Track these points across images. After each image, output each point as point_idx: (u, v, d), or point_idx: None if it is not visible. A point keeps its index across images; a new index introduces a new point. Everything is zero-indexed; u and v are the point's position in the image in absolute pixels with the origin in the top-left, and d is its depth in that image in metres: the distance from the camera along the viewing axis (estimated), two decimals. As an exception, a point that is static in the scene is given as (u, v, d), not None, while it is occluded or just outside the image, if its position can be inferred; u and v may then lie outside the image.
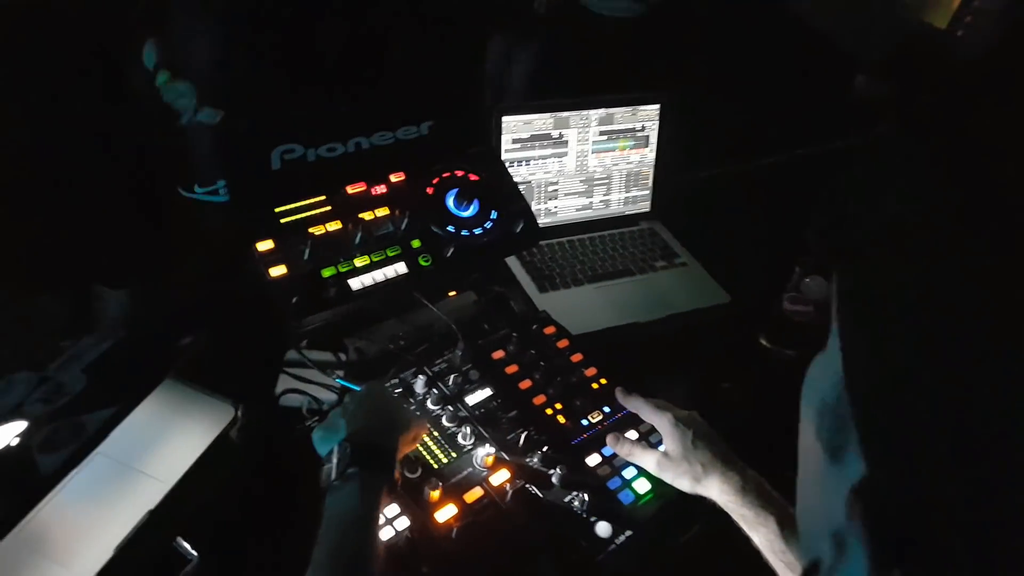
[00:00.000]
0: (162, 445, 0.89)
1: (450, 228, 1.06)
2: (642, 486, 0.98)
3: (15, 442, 0.77)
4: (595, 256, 1.44)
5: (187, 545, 0.85)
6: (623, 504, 0.95)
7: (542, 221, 1.40)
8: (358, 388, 0.96)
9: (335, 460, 0.79)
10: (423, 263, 1.02)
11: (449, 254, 1.03)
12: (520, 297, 1.32)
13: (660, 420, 0.98)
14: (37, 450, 0.76)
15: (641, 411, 1.02)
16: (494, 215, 1.09)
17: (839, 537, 0.42)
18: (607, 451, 1.01)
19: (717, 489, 0.90)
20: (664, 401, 1.02)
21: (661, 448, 0.97)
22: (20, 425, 0.79)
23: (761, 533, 0.85)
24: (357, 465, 0.78)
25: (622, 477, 0.98)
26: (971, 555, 0.37)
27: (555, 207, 1.45)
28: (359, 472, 0.77)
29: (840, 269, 0.47)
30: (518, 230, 1.09)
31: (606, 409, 1.07)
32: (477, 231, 1.07)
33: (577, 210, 1.48)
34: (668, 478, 0.95)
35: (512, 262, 1.37)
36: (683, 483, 0.93)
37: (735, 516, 0.89)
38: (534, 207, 1.36)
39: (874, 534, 0.39)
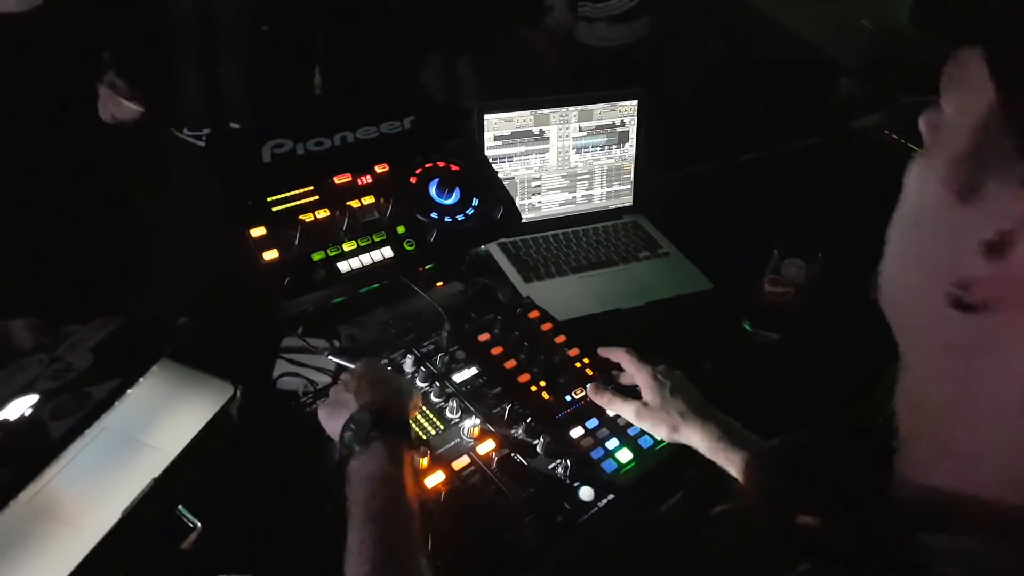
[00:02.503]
0: (165, 419, 0.93)
1: (433, 215, 1.11)
2: (624, 456, 1.01)
3: (28, 412, 0.82)
4: (579, 248, 1.49)
5: (190, 514, 0.89)
6: (606, 472, 0.99)
7: (526, 216, 1.45)
8: (351, 365, 1.00)
9: (354, 429, 0.82)
10: (408, 247, 1.07)
11: (432, 239, 1.08)
12: (506, 287, 1.36)
13: (640, 372, 1.04)
14: (47, 418, 0.81)
15: (624, 362, 1.08)
16: (475, 202, 1.14)
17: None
18: (590, 424, 1.05)
19: (698, 436, 0.95)
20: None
21: (641, 400, 1.02)
22: (32, 398, 0.84)
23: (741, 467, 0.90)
24: (379, 430, 0.81)
25: (605, 448, 1.02)
26: None
27: (538, 202, 1.51)
28: (382, 437, 0.81)
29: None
30: (499, 216, 1.14)
31: (588, 386, 1.11)
32: (459, 217, 1.13)
33: (560, 205, 1.53)
34: (646, 426, 1.00)
35: (497, 254, 1.43)
36: (661, 431, 0.99)
37: (720, 460, 0.93)
38: (518, 203, 1.41)
39: None
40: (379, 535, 0.72)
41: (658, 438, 1.01)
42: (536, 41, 2.97)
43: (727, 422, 0.97)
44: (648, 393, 1.02)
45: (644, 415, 1.00)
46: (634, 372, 1.06)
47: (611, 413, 1.06)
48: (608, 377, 1.12)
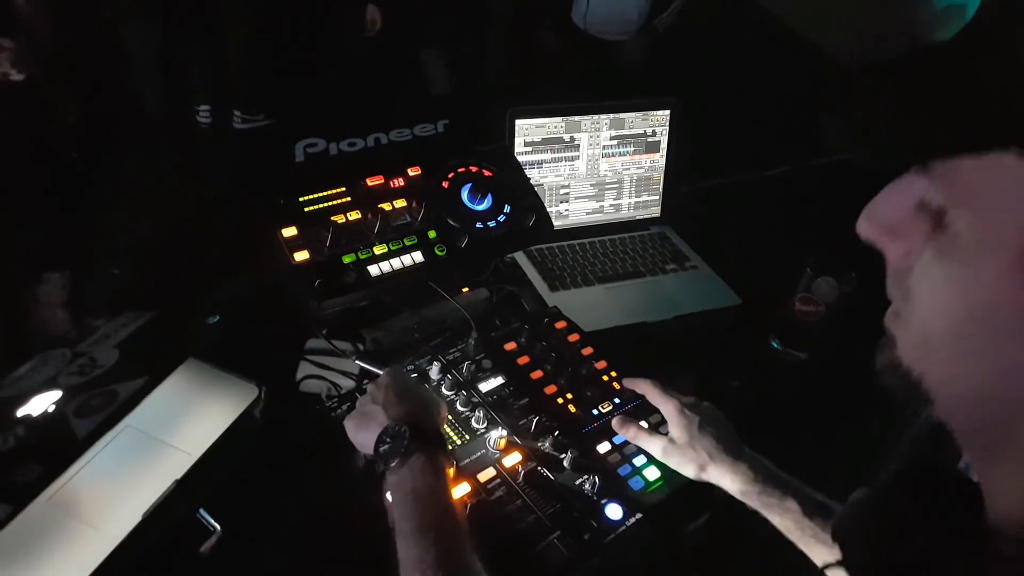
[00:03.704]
0: (189, 420, 0.92)
1: (465, 220, 1.09)
2: (652, 473, 0.99)
3: (51, 409, 0.81)
4: (605, 258, 1.47)
5: (210, 517, 0.88)
6: (633, 490, 0.97)
7: (553, 224, 1.43)
8: (377, 370, 0.99)
9: (391, 442, 0.81)
10: (439, 253, 1.06)
11: (463, 244, 1.07)
12: (531, 296, 1.35)
13: (666, 405, 1.00)
14: (71, 415, 0.80)
15: (648, 394, 1.04)
16: (507, 209, 1.13)
17: None
18: (618, 439, 1.03)
19: (728, 479, 0.92)
20: (671, 390, 1.04)
21: (668, 434, 0.99)
22: (55, 395, 0.83)
23: (786, 516, 0.87)
24: (417, 443, 0.80)
25: (632, 464, 1.00)
26: None
27: (566, 210, 1.49)
28: (420, 450, 0.80)
29: None
30: (531, 223, 1.12)
31: (616, 400, 1.09)
32: (491, 224, 1.11)
33: (588, 213, 1.51)
34: (673, 464, 0.97)
35: (523, 262, 1.41)
36: (688, 470, 0.95)
37: (754, 503, 0.90)
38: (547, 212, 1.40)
39: None
40: (438, 549, 0.71)
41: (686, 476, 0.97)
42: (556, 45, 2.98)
43: (760, 462, 0.93)
44: (675, 429, 0.98)
45: (671, 452, 0.97)
46: (659, 404, 1.02)
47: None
48: (633, 399, 1.09)
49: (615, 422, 1.03)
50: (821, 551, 0.84)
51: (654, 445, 0.98)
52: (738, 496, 0.92)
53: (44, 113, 1.63)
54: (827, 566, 0.72)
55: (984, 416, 0.44)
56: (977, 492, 0.47)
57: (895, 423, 1.01)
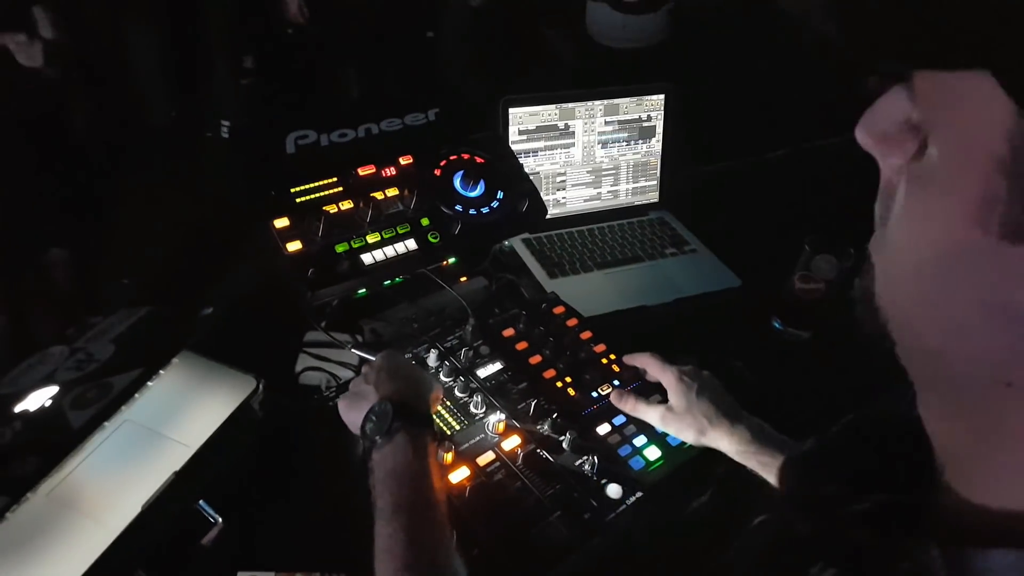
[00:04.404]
0: (187, 413, 0.93)
1: (457, 207, 1.09)
2: (652, 453, 0.98)
3: (48, 403, 0.81)
4: (604, 244, 1.46)
5: (210, 509, 0.88)
6: (633, 470, 0.96)
7: (551, 212, 1.43)
8: (374, 358, 0.99)
9: (375, 420, 0.81)
10: (432, 240, 1.06)
11: (457, 231, 1.07)
12: (530, 284, 1.34)
13: (665, 374, 1.00)
14: (68, 409, 0.81)
15: (649, 366, 1.04)
16: (500, 195, 1.13)
17: None
18: (617, 421, 1.02)
19: (726, 440, 0.92)
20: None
21: (666, 403, 0.99)
22: (52, 390, 0.84)
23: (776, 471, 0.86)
24: (401, 422, 0.80)
25: (632, 445, 0.99)
26: None
27: (563, 198, 1.49)
28: (404, 428, 0.80)
29: None
30: (524, 209, 1.12)
31: (616, 382, 1.08)
32: (484, 210, 1.11)
33: (585, 200, 1.51)
34: (672, 431, 0.97)
35: (521, 250, 1.41)
36: (688, 435, 0.95)
37: (752, 464, 0.90)
38: (543, 198, 1.39)
39: None
40: (410, 527, 0.70)
41: (685, 441, 0.98)
42: (555, 41, 2.98)
43: (757, 424, 0.93)
44: (674, 396, 0.98)
45: (670, 419, 0.97)
46: (659, 374, 1.02)
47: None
48: (633, 380, 1.09)
49: (613, 396, 1.03)
50: None
51: (652, 414, 0.99)
52: (735, 457, 0.92)
53: (69, 115, 1.64)
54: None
55: (940, 369, 0.41)
56: (930, 450, 0.44)
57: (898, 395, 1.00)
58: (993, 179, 0.33)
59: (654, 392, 1.05)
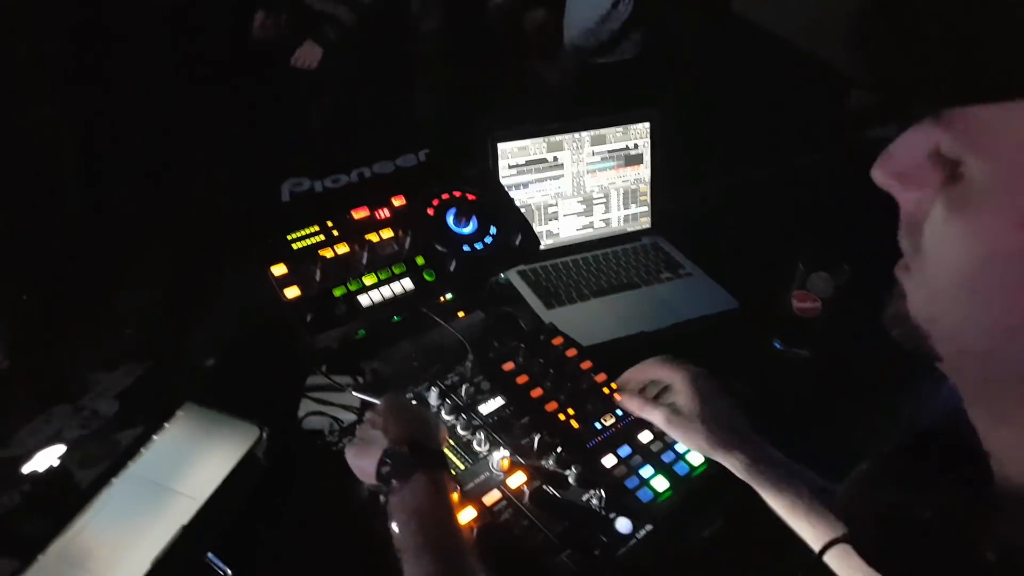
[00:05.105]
0: (192, 465, 0.92)
1: (452, 244, 1.10)
2: (660, 483, 0.98)
3: (56, 463, 0.81)
4: (599, 272, 1.47)
5: (219, 561, 0.88)
6: (641, 501, 0.96)
7: (544, 243, 1.44)
8: (376, 400, 0.99)
9: (391, 463, 0.81)
10: (428, 278, 1.07)
11: (452, 268, 1.07)
12: (527, 315, 1.35)
13: (677, 374, 0.98)
14: (75, 467, 0.81)
15: (660, 370, 1.02)
16: (493, 230, 1.14)
17: None
18: (623, 452, 1.02)
19: (734, 456, 0.91)
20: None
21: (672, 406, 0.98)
22: (59, 449, 0.84)
23: (785, 496, 0.86)
24: (418, 462, 0.80)
25: (639, 476, 0.99)
26: None
27: (556, 228, 1.50)
28: (422, 469, 0.80)
29: None
30: (517, 242, 1.13)
31: (619, 412, 1.08)
32: (478, 246, 1.12)
33: (578, 229, 1.52)
34: (678, 435, 0.95)
35: (517, 282, 1.41)
36: (694, 441, 0.94)
37: (756, 482, 0.89)
38: (535, 229, 1.40)
39: None
40: (437, 566, 0.71)
41: (689, 449, 0.96)
42: (536, 67, 3.02)
43: (763, 442, 0.93)
44: (684, 398, 0.96)
45: (676, 423, 0.95)
46: (671, 375, 1.00)
47: (644, 439, 1.03)
48: (641, 421, 1.06)
49: (618, 398, 1.03)
50: (821, 531, 0.83)
51: (657, 415, 0.97)
52: (740, 474, 0.91)
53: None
54: (829, 544, 0.71)
55: (990, 372, 0.44)
56: (982, 455, 0.46)
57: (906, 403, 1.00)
58: None
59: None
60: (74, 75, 1.92)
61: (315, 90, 2.58)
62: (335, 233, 1.06)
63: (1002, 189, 0.39)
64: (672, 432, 0.96)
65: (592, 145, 1.48)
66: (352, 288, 1.02)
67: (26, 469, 0.84)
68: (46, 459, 0.85)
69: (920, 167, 0.42)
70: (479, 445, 0.99)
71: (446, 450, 0.98)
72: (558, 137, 1.45)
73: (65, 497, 0.81)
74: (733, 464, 0.92)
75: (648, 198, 1.57)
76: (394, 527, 0.78)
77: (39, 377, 1.05)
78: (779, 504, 0.87)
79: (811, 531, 0.84)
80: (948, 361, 0.46)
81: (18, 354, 1.10)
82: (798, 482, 0.87)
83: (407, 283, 1.05)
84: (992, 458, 0.46)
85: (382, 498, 0.82)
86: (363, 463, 0.86)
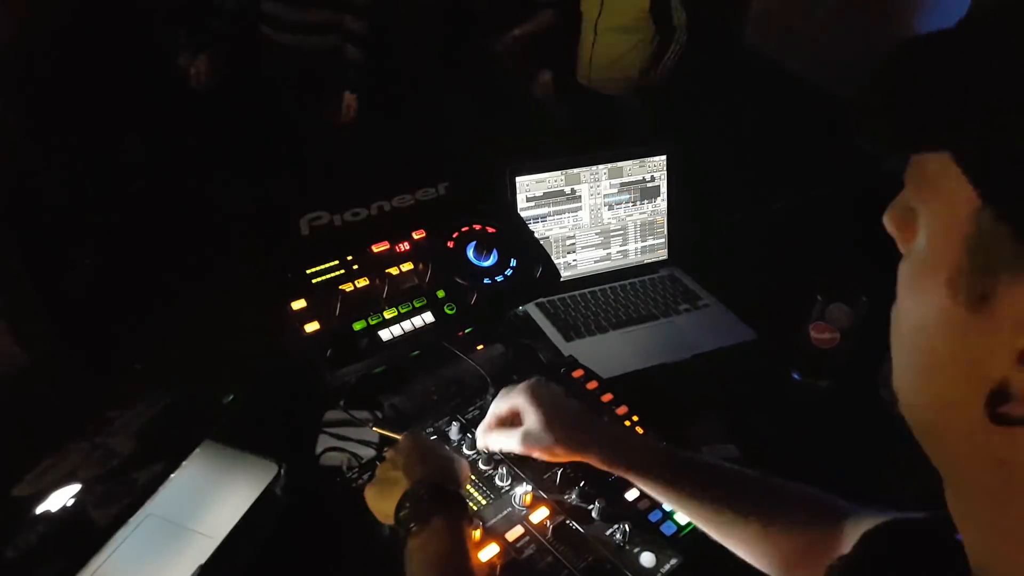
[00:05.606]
0: (210, 503, 0.91)
1: (472, 277, 1.10)
2: (683, 517, 0.96)
3: (71, 503, 0.80)
4: (618, 304, 1.46)
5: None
6: (665, 535, 0.94)
7: (563, 275, 1.44)
8: (396, 436, 0.98)
9: (410, 507, 0.80)
10: (448, 312, 1.06)
11: (473, 301, 1.07)
12: (547, 347, 1.34)
13: (517, 396, 0.94)
14: (90, 507, 0.80)
15: (501, 404, 0.97)
16: (513, 263, 1.14)
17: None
18: (645, 485, 1.01)
19: (595, 446, 0.89)
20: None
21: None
22: (74, 488, 0.83)
23: (645, 482, 0.87)
24: (437, 506, 0.79)
25: (662, 509, 0.97)
26: None
27: (574, 260, 1.50)
28: (441, 513, 0.78)
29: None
30: (538, 275, 1.13)
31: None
32: (498, 278, 1.12)
33: (596, 262, 1.52)
34: (537, 453, 0.91)
35: (536, 314, 1.41)
36: (551, 452, 0.90)
37: (622, 472, 0.88)
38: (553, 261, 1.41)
39: None
40: None
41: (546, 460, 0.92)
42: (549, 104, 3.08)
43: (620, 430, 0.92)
44: (528, 415, 0.92)
45: (530, 440, 0.90)
46: (511, 401, 0.95)
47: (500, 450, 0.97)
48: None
49: (477, 441, 0.98)
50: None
51: (512, 441, 0.92)
52: (605, 468, 0.89)
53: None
54: None
55: (940, 454, 0.41)
56: (956, 545, 0.42)
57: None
58: (959, 254, 0.35)
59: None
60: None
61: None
62: (355, 267, 1.06)
63: (932, 250, 0.37)
64: (531, 452, 0.91)
65: (609, 178, 1.49)
66: (372, 322, 1.02)
67: (40, 509, 0.82)
68: (61, 498, 0.83)
69: (901, 218, 0.41)
70: (501, 480, 0.98)
71: (468, 486, 0.97)
72: (575, 170, 1.45)
73: (80, 538, 0.79)
74: (595, 461, 0.89)
75: (665, 230, 1.57)
76: (410, 571, 0.76)
77: (54, 413, 1.05)
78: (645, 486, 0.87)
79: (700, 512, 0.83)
80: (917, 435, 0.42)
81: (33, 388, 1.11)
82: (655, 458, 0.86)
83: (428, 316, 1.05)
84: (967, 547, 0.42)
85: (400, 536, 0.81)
86: (383, 505, 0.84)
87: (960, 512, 0.42)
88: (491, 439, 0.96)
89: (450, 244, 1.13)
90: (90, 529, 0.79)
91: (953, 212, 0.35)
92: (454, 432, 1.05)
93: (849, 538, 0.68)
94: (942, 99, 0.35)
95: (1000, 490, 0.37)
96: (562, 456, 0.91)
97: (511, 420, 0.97)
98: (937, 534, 0.49)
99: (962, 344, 0.36)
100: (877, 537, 0.62)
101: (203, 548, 0.86)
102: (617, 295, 1.49)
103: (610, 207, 1.51)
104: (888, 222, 0.41)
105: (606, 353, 1.32)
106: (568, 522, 0.93)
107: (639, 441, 0.91)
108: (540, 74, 3.05)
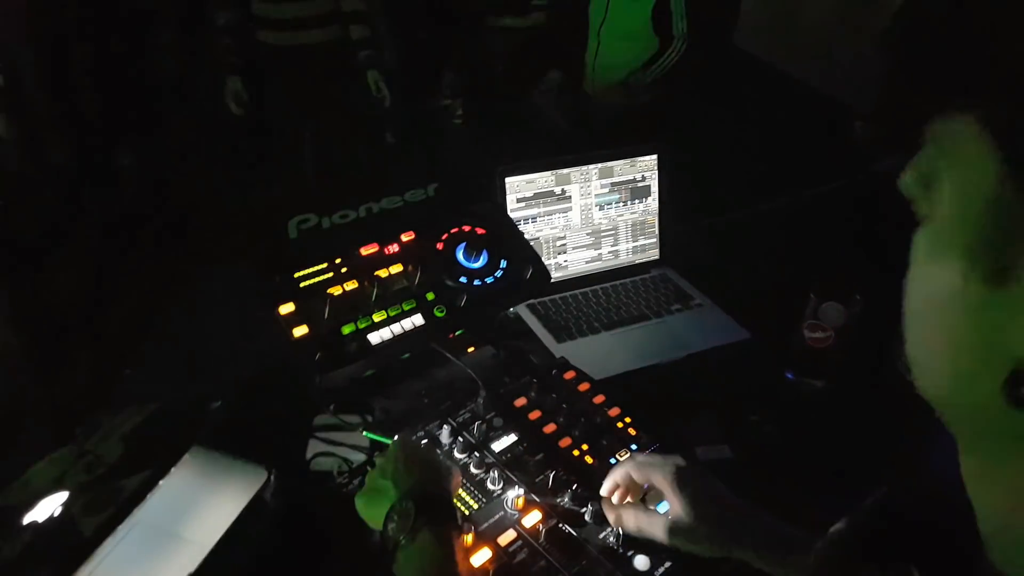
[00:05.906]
0: (199, 510, 0.90)
1: (462, 279, 1.09)
2: (679, 518, 0.96)
3: (58, 511, 0.79)
4: (609, 305, 1.46)
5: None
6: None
7: (553, 276, 1.43)
8: (387, 440, 0.97)
9: (397, 520, 0.79)
10: (438, 314, 1.05)
11: (463, 303, 1.06)
12: (538, 349, 1.33)
13: (655, 475, 0.89)
14: (79, 515, 0.78)
15: (637, 474, 0.91)
16: (503, 264, 1.13)
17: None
18: (639, 487, 1.00)
19: (746, 542, 0.83)
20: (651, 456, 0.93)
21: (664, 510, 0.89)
22: (62, 496, 0.81)
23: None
24: (425, 520, 0.78)
25: (656, 511, 0.97)
26: None
27: (565, 261, 1.49)
28: (428, 526, 0.77)
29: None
30: (528, 276, 1.12)
31: (633, 447, 1.06)
32: (488, 280, 1.11)
33: (587, 262, 1.51)
34: (681, 544, 0.86)
35: (527, 316, 1.40)
36: (699, 546, 0.85)
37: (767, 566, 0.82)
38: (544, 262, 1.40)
39: None
40: None
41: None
42: (548, 108, 3.08)
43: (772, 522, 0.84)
44: (675, 504, 0.85)
45: (677, 532, 0.85)
46: (649, 477, 0.90)
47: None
48: (651, 442, 1.03)
49: (605, 510, 0.91)
50: None
51: (657, 529, 0.86)
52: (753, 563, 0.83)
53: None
54: None
55: (955, 424, 0.40)
56: (966, 516, 0.42)
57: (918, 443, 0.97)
58: (981, 226, 0.35)
59: (676, 451, 1.01)
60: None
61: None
62: (343, 270, 1.05)
63: (955, 219, 0.36)
64: (676, 543, 0.86)
65: (600, 178, 1.48)
66: (362, 325, 1.01)
67: (27, 518, 0.81)
68: (48, 506, 0.82)
69: (928, 181, 0.39)
70: (493, 484, 0.97)
71: (461, 491, 0.96)
72: (565, 170, 1.45)
73: (68, 546, 0.78)
74: (741, 557, 0.84)
75: (656, 230, 1.56)
76: None
77: (41, 420, 1.04)
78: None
79: None
80: (938, 409, 0.42)
81: (20, 397, 1.09)
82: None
83: (417, 319, 1.04)
84: (980, 527, 0.41)
85: (388, 548, 0.80)
86: (373, 513, 0.83)
87: (975, 477, 0.41)
88: (628, 519, 0.89)
89: (439, 246, 1.12)
90: (77, 537, 0.77)
91: (977, 178, 0.35)
92: (445, 435, 1.04)
93: None
94: (975, 58, 0.35)
95: (1018, 460, 0.37)
96: (703, 551, 0.85)
97: (639, 492, 0.92)
98: (938, 506, 0.48)
99: (981, 321, 0.35)
100: (875, 510, 0.61)
101: (192, 556, 0.85)
102: (609, 296, 1.48)
103: (601, 207, 1.50)
104: (908, 185, 0.40)
105: (598, 354, 1.31)
106: (561, 526, 0.92)
107: (791, 533, 0.82)
108: (549, 73, 3.03)
